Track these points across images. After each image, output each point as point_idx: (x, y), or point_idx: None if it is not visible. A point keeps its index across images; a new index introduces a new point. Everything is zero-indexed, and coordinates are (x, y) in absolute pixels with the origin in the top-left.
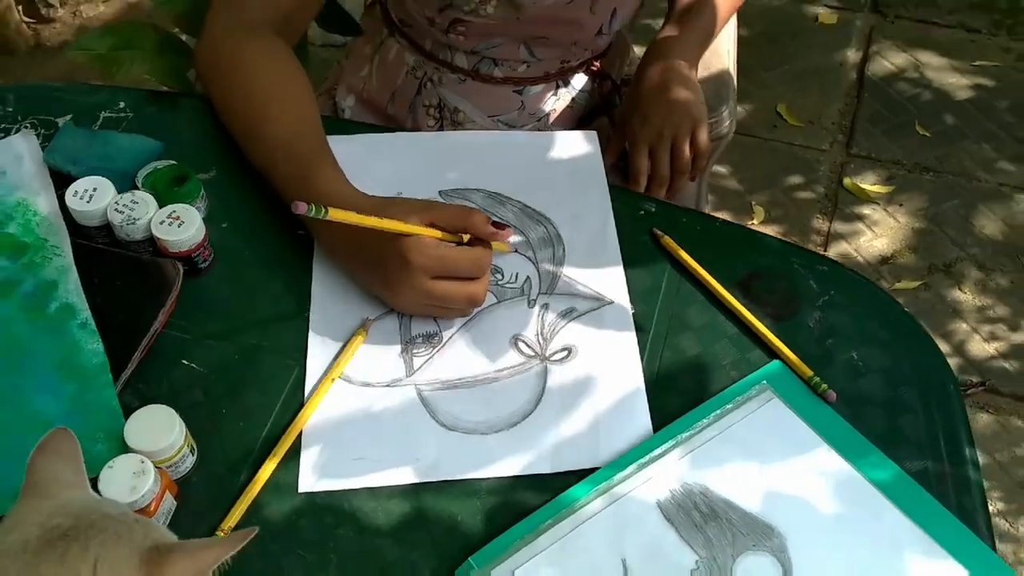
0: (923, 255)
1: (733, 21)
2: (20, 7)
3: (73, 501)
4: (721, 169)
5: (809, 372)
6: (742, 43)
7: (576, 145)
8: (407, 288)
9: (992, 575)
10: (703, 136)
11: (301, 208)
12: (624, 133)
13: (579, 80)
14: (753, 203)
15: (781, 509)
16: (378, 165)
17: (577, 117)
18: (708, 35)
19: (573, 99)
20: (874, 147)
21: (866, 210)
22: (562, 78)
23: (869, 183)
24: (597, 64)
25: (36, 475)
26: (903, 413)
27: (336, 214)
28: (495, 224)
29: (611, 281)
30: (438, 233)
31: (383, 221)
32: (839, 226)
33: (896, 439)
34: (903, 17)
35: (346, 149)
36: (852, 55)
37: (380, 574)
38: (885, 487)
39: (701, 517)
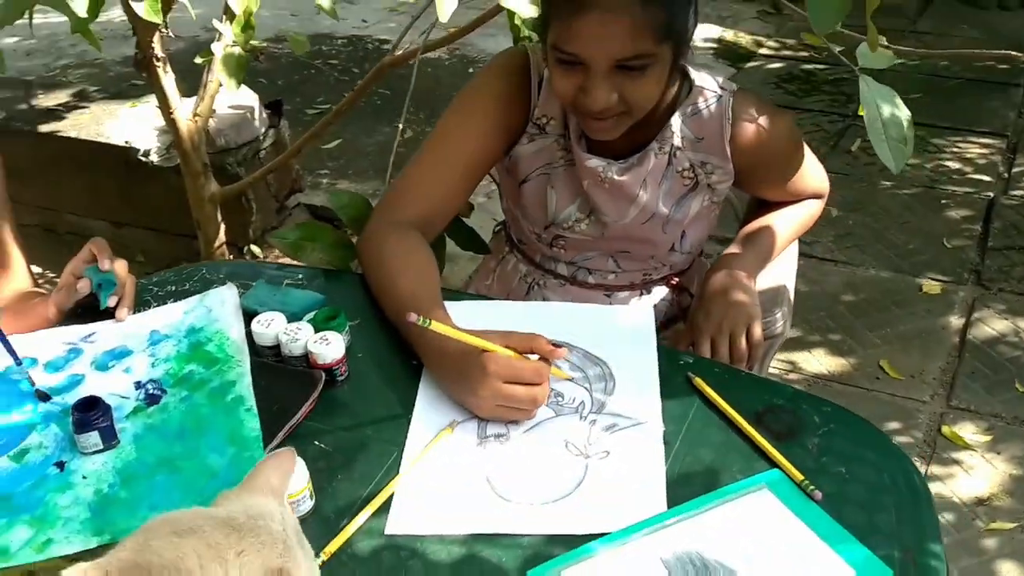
0: (1019, 499)
1: (795, 248)
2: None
3: (260, 505)
4: None
5: (800, 476)
6: (850, 307)
7: (634, 314)
8: (484, 390)
9: None
10: (757, 331)
11: (412, 317)
12: (692, 327)
13: (660, 291)
14: None
15: (763, 571)
16: (478, 322)
17: (658, 321)
18: (767, 255)
19: (655, 306)
20: (974, 400)
21: (963, 456)
22: (645, 287)
23: (968, 432)
24: (677, 279)
25: (255, 475)
26: (879, 512)
27: (437, 326)
28: (554, 344)
29: (648, 407)
30: (511, 352)
31: (471, 337)
32: (935, 469)
33: (872, 531)
34: (1006, 291)
35: (455, 309)
36: (955, 321)
37: None
38: (855, 563)
39: (695, 571)
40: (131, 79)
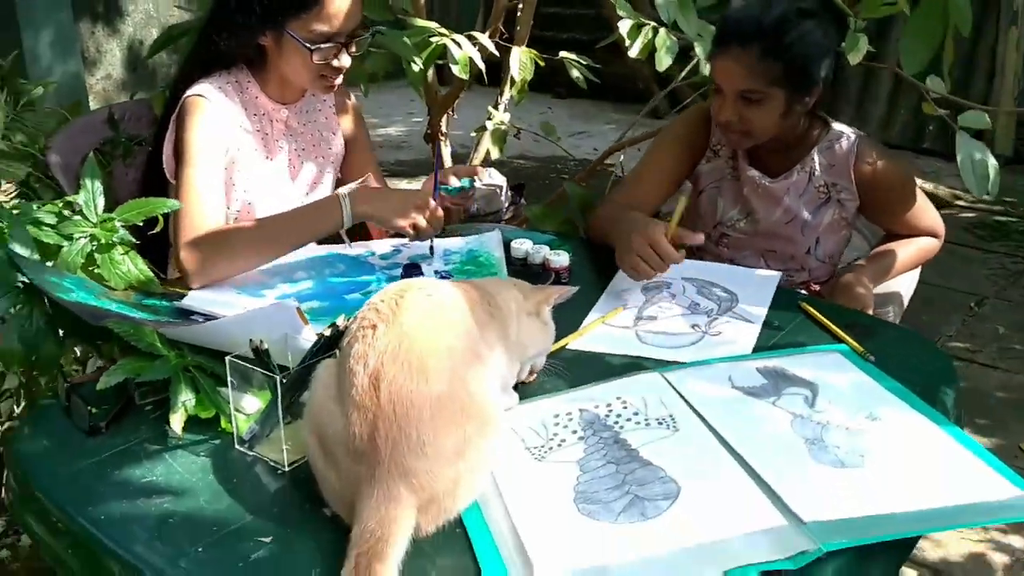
0: None
1: (915, 273)
2: None
3: None
4: None
5: (861, 348)
6: (1001, 401)
7: (760, 274)
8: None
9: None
10: (868, 314)
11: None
12: None
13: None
14: None
15: (829, 386)
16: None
17: None
18: (887, 270)
19: None
20: None
21: None
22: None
23: None
24: (817, 287)
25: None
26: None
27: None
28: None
29: (758, 312)
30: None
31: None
32: None
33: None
34: None
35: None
36: None
37: None
38: (903, 396)
39: (780, 378)
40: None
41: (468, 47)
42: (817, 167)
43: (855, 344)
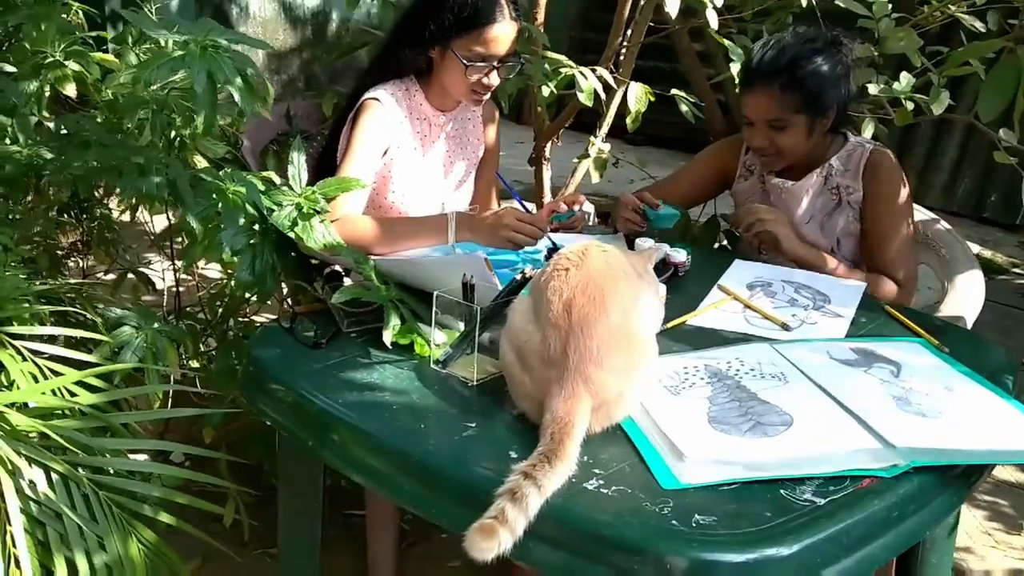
0: None
1: (979, 299)
2: None
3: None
4: None
5: (936, 341)
6: None
7: (849, 284)
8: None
9: None
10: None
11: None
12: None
13: None
14: None
15: (914, 367)
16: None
17: None
18: (819, 263)
19: None
20: None
21: None
22: None
23: None
24: None
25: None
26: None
27: None
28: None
29: (846, 311)
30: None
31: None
32: None
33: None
34: None
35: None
36: None
37: None
38: (973, 378)
39: (867, 356)
40: None
41: (592, 79)
42: (835, 171)
43: (931, 338)
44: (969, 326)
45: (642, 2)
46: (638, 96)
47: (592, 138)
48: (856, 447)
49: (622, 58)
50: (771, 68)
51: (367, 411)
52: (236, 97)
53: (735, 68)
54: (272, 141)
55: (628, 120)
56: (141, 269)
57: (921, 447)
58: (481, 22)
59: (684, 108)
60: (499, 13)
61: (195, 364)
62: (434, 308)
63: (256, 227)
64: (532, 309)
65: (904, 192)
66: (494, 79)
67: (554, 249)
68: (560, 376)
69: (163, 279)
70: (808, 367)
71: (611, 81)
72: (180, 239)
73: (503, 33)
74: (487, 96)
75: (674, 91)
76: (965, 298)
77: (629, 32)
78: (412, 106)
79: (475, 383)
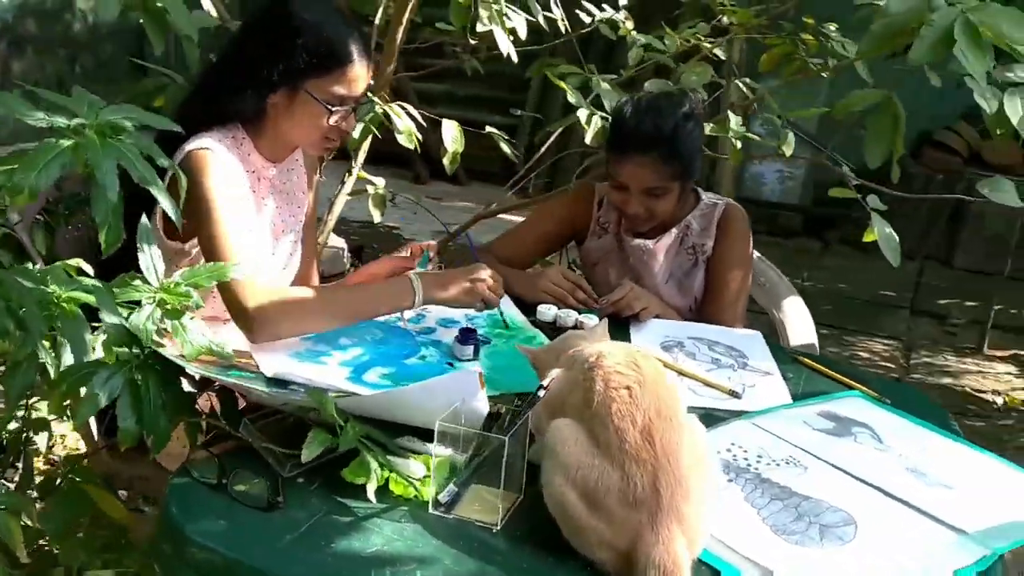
0: None
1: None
2: None
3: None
4: None
5: (874, 393)
6: None
7: (743, 334)
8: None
9: None
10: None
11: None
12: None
13: None
14: None
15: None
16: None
17: None
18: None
19: None
20: None
21: None
22: None
23: None
24: None
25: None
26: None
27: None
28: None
29: (769, 367)
30: None
31: None
32: None
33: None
34: None
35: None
36: None
37: None
38: (930, 428)
39: (835, 420)
40: None
41: (406, 118)
42: (692, 230)
43: (867, 390)
44: (818, 350)
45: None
46: (454, 137)
47: (347, 173)
48: (938, 543)
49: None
50: (653, 136)
51: None
52: (160, 198)
53: (583, 115)
54: (41, 211)
55: (446, 161)
56: None
57: (984, 528)
58: (341, 61)
59: (506, 148)
60: (357, 50)
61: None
62: (436, 442)
63: (124, 352)
64: (590, 439)
65: (749, 244)
66: (351, 123)
67: (469, 331)
68: (653, 519)
69: None
70: (807, 445)
71: (420, 118)
72: None
73: (363, 73)
74: (338, 144)
75: (490, 129)
76: (798, 324)
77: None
78: (242, 156)
79: (499, 526)
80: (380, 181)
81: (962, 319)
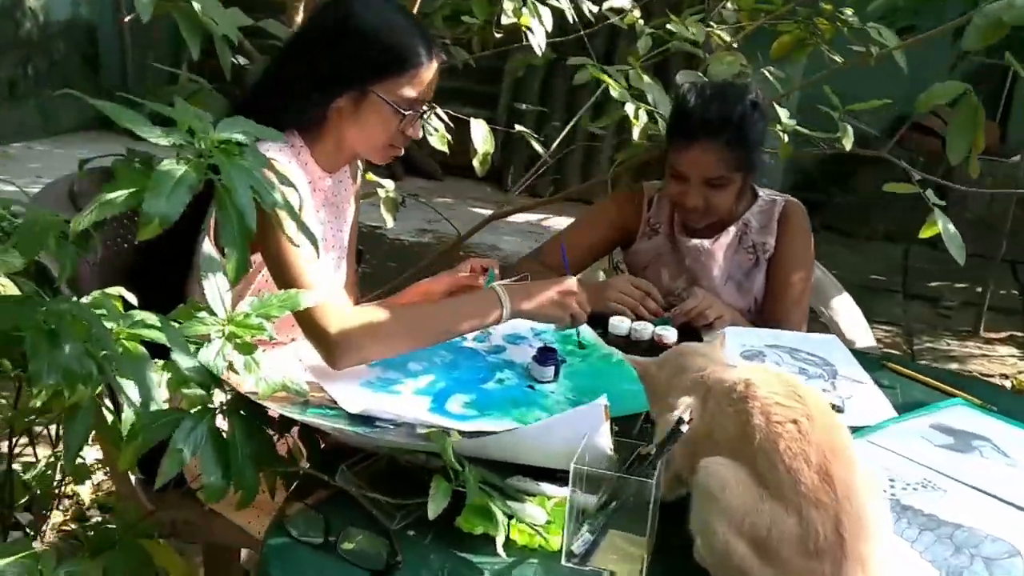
0: None
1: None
2: None
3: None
4: None
5: (979, 401)
6: None
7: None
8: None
9: None
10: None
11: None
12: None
13: None
14: None
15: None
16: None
17: None
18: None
19: None
20: None
21: None
22: None
23: None
24: None
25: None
26: None
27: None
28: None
29: (861, 375)
30: None
31: None
32: None
33: None
34: None
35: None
36: None
37: None
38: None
39: (944, 430)
40: None
41: (434, 119)
42: (751, 228)
43: (971, 397)
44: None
45: None
46: (484, 137)
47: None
48: None
49: None
50: (720, 122)
51: None
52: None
53: (630, 109)
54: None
55: (476, 162)
56: None
57: None
58: (413, 63)
59: (537, 145)
60: (426, 51)
61: None
62: (571, 484)
63: (196, 393)
64: (755, 481)
65: (811, 242)
66: (418, 129)
67: (549, 350)
68: (836, 569)
69: None
70: (937, 464)
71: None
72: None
73: (432, 75)
74: (401, 151)
75: (519, 128)
76: (852, 324)
77: None
78: (301, 165)
79: None
80: (390, 184)
81: (954, 301)
